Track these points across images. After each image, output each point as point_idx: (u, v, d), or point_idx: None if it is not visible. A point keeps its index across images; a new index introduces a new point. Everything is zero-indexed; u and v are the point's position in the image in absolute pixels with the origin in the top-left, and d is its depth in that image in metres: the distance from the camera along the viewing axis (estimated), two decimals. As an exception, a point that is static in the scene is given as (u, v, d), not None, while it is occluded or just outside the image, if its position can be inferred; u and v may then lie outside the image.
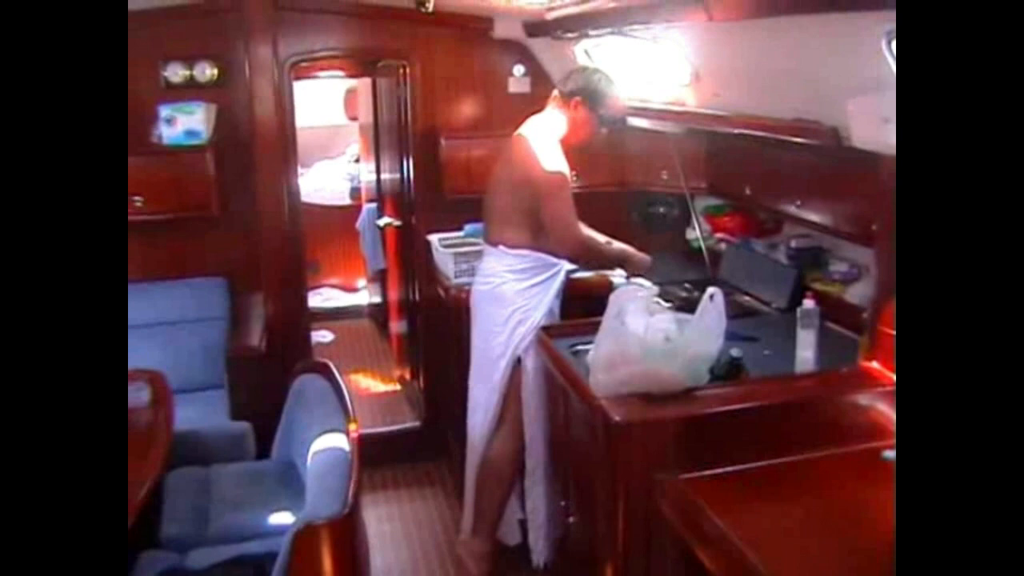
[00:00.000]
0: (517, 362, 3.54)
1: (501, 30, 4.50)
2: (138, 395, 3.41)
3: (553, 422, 3.44)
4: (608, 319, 2.67)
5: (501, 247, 3.53)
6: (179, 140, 4.22)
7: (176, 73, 4.38)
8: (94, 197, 1.27)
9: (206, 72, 4.40)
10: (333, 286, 7.66)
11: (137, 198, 4.13)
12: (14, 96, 1.20)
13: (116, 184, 1.31)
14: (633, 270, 3.75)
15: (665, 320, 2.61)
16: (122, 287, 1.37)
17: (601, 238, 3.73)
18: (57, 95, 1.24)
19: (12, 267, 1.21)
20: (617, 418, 2.49)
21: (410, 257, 4.97)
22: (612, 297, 2.75)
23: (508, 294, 3.52)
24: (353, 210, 7.23)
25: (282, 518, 3.06)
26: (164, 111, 4.21)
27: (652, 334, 2.56)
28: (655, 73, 3.71)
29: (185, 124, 4.21)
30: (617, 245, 3.68)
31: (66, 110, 1.25)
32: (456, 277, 4.01)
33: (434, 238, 4.35)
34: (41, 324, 1.23)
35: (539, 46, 4.49)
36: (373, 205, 6.45)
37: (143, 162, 4.19)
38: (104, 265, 1.29)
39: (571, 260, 3.65)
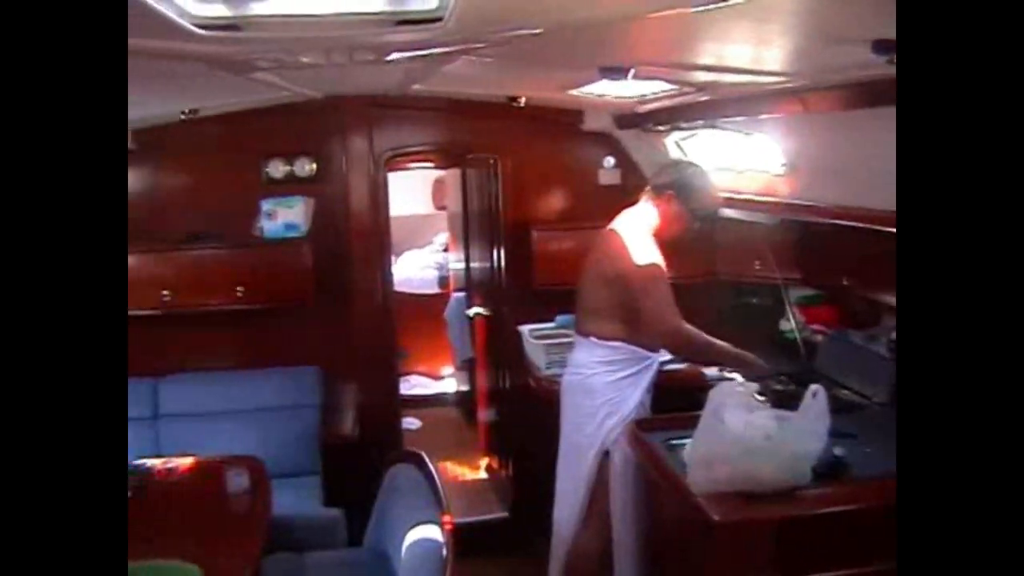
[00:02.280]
0: (606, 455, 3.50)
1: (591, 123, 4.58)
2: (237, 481, 3.46)
3: (644, 519, 3.38)
4: (706, 415, 2.62)
5: (592, 338, 3.52)
6: (279, 233, 4.38)
7: (277, 169, 4.58)
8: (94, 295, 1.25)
9: (305, 167, 4.59)
10: (420, 373, 7.70)
11: (239, 288, 4.29)
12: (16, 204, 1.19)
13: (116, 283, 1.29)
14: (747, 374, 3.53)
15: (764, 417, 2.56)
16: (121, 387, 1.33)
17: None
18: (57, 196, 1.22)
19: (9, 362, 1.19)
20: (716, 517, 2.43)
21: (500, 347, 5.00)
22: (711, 393, 2.71)
23: (598, 386, 3.49)
24: (440, 299, 7.31)
25: (375, 610, 3.06)
26: (265, 205, 4.38)
27: (751, 432, 2.51)
28: (747, 163, 3.71)
29: (285, 217, 4.36)
30: (727, 345, 3.53)
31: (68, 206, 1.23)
32: (547, 368, 4.01)
33: (525, 329, 4.37)
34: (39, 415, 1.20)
35: (629, 138, 4.55)
36: (461, 294, 6.52)
37: (244, 254, 4.40)
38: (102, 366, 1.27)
39: (673, 353, 3.62)
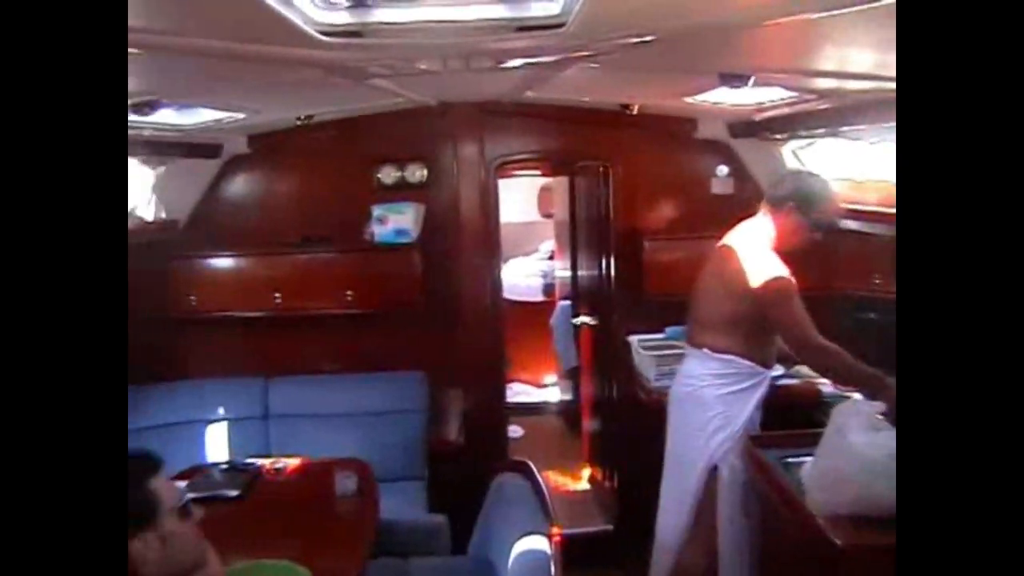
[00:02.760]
0: (713, 470, 3.41)
1: (705, 130, 4.51)
2: (346, 483, 3.50)
3: (755, 538, 3.28)
4: (829, 434, 2.53)
5: (705, 350, 3.44)
6: (389, 238, 4.43)
7: (389, 174, 4.65)
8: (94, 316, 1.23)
9: (416, 173, 4.65)
10: (523, 381, 7.69)
11: (349, 292, 4.35)
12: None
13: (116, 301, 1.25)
14: (887, 402, 2.93)
15: (891, 437, 2.45)
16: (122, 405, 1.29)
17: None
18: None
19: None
20: (839, 541, 2.33)
21: (607, 357, 4.94)
22: (834, 412, 2.61)
23: (708, 398, 3.41)
24: (545, 307, 7.29)
25: (478, 619, 3.05)
26: (377, 210, 4.45)
27: (876, 452, 2.40)
28: (868, 173, 3.59)
29: (395, 223, 4.42)
30: (875, 370, 3.22)
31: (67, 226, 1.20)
32: (657, 380, 3.94)
33: (634, 339, 4.31)
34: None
35: (744, 147, 4.45)
36: (567, 302, 6.49)
37: (355, 259, 4.48)
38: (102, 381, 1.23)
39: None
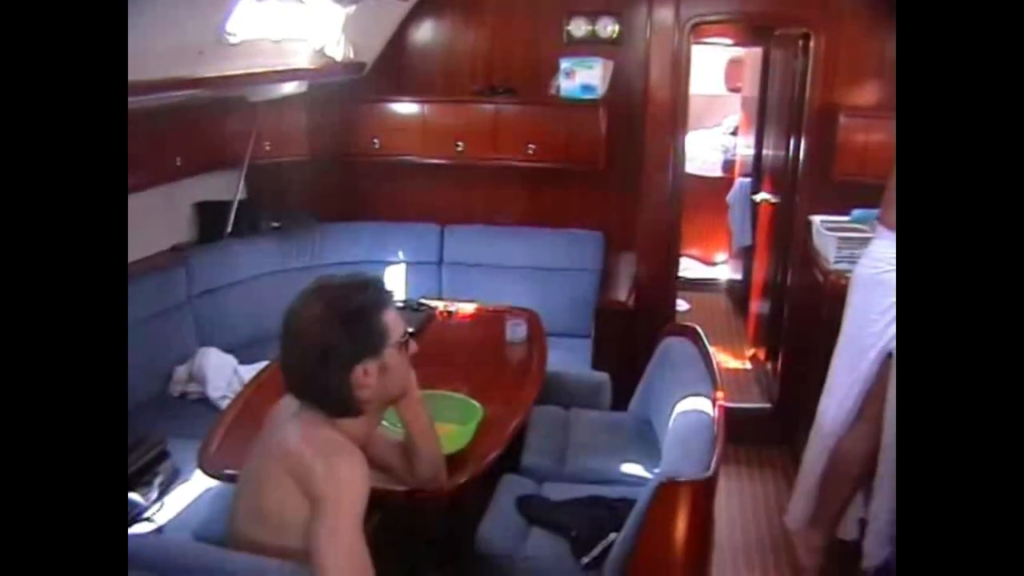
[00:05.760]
0: (888, 356, 3.31)
1: (926, -1, 4.15)
2: (516, 330, 3.59)
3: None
4: None
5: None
6: (575, 93, 4.39)
7: (579, 27, 4.59)
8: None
9: (608, 28, 4.58)
10: (692, 257, 7.59)
11: (530, 146, 4.36)
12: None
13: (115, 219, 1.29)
14: None
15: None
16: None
17: None
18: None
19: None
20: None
21: (784, 236, 4.79)
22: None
23: (894, 282, 3.28)
24: (722, 183, 7.12)
25: (633, 469, 3.14)
26: (564, 64, 4.40)
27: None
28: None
29: (582, 78, 4.36)
30: None
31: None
32: (836, 262, 3.82)
33: (816, 219, 4.15)
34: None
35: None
36: (747, 180, 6.32)
37: (539, 112, 4.48)
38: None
39: None
